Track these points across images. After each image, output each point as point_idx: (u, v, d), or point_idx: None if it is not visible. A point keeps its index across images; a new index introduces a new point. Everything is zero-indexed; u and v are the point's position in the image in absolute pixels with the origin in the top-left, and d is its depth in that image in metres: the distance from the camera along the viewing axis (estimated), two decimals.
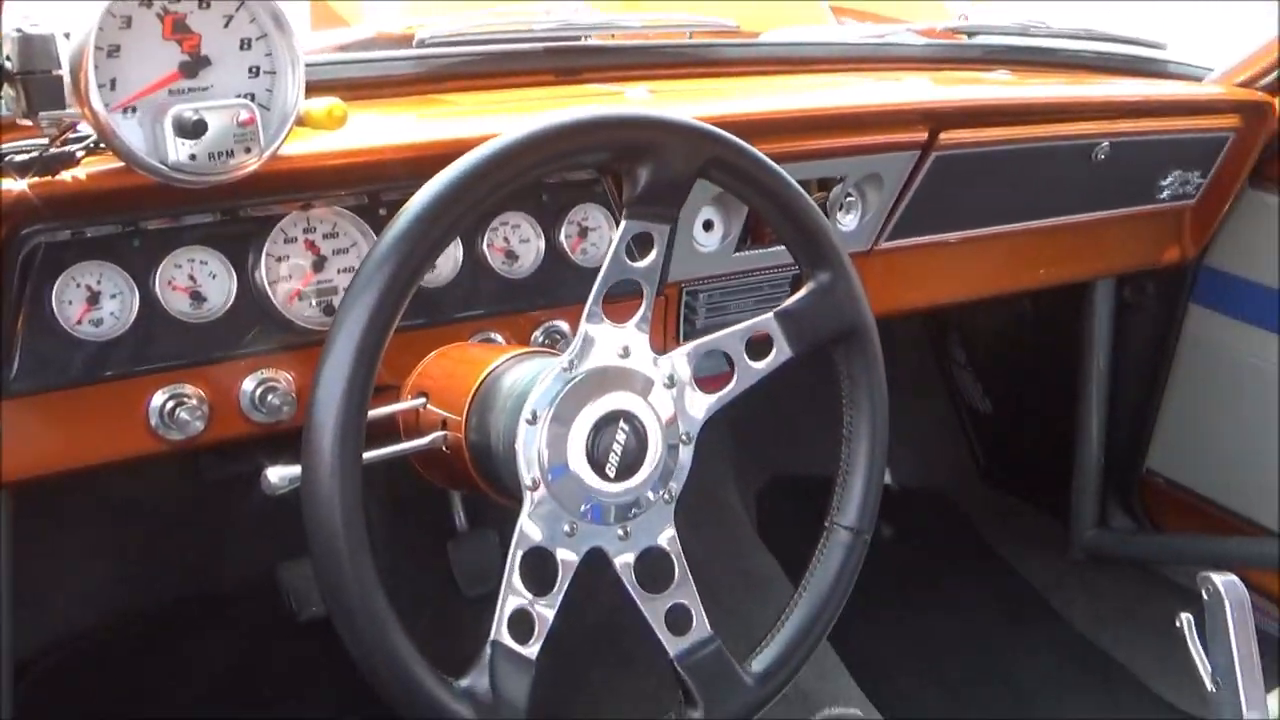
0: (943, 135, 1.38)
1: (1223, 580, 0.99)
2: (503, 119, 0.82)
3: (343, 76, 1.19)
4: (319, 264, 1.01)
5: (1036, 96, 1.51)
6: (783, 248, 1.12)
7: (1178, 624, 1.03)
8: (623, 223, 0.87)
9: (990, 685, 1.86)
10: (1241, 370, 1.84)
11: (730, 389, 0.90)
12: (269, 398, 0.99)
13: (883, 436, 0.96)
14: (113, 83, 0.82)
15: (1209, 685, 1.00)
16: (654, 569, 0.87)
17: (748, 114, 1.23)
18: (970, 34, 1.72)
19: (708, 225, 1.26)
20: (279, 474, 0.80)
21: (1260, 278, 1.78)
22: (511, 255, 1.11)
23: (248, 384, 0.99)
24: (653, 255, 0.88)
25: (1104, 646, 1.92)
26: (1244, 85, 1.70)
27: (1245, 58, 1.71)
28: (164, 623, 1.60)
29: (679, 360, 0.89)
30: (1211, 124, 1.66)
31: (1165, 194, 1.69)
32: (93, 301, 0.90)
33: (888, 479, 2.26)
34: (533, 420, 0.82)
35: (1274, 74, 1.68)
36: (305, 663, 1.54)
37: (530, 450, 0.82)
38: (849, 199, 1.38)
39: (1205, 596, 1.00)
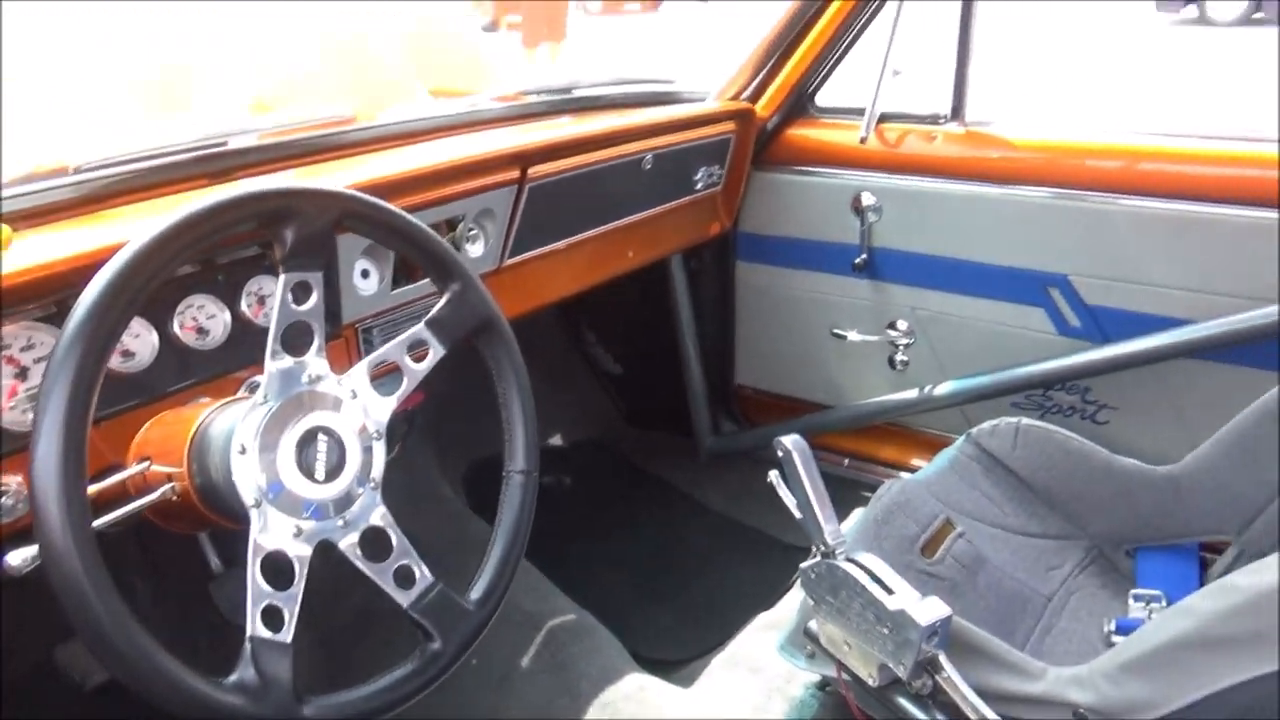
0: (531, 170, 1.46)
1: (790, 440, 1.09)
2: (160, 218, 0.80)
3: (6, 210, 1.09)
4: (22, 374, 0.93)
5: (593, 130, 1.61)
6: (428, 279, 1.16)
7: (769, 479, 1.12)
8: (281, 276, 0.87)
9: (665, 568, 1.97)
10: (781, 301, 2.06)
11: (404, 388, 0.93)
12: (1, 501, 0.90)
13: (528, 397, 1.01)
14: None
15: (797, 515, 1.10)
16: (376, 544, 0.89)
17: (379, 178, 1.25)
18: (536, 93, 1.80)
19: (364, 273, 1.28)
20: (19, 555, 0.75)
21: (776, 232, 2.01)
22: (202, 331, 1.07)
23: None
24: (314, 298, 0.88)
25: (737, 517, 2.07)
26: (733, 99, 1.90)
27: (729, 79, 1.90)
28: None
29: (357, 376, 0.91)
30: (718, 130, 1.83)
31: (700, 185, 1.87)
32: None
33: (558, 439, 2.36)
34: (243, 451, 0.81)
35: (749, 88, 1.90)
36: None
37: (246, 477, 0.81)
38: (473, 232, 1.44)
39: (780, 454, 1.09)
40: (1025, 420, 1.55)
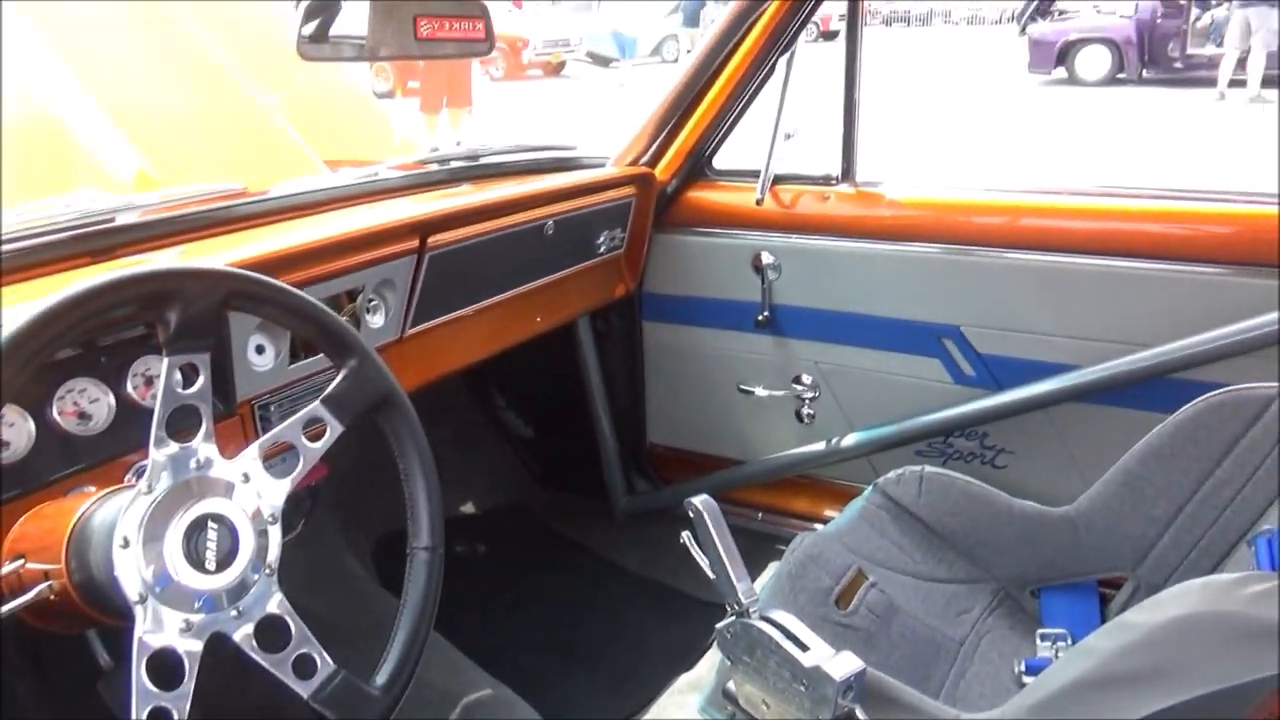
0: (431, 239, 1.45)
1: (699, 500, 1.09)
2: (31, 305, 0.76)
3: None
4: None
5: (494, 198, 1.62)
6: None
7: (682, 540, 1.12)
8: (165, 360, 0.84)
9: (583, 634, 1.93)
10: (688, 359, 2.08)
11: (300, 469, 0.90)
12: None
13: (430, 471, 0.99)
14: None
15: (710, 574, 1.10)
16: (273, 633, 0.85)
17: (271, 253, 1.21)
18: (437, 161, 1.80)
19: (259, 349, 1.24)
20: None
21: (680, 291, 2.03)
22: (84, 415, 1.02)
23: None
24: (201, 380, 0.85)
25: (655, 577, 2.05)
26: (632, 164, 1.94)
27: (627, 145, 1.94)
28: None
29: (249, 459, 0.87)
30: (618, 194, 1.86)
31: (603, 249, 1.89)
32: None
33: (469, 506, 2.31)
34: (125, 545, 0.77)
35: (647, 153, 1.94)
36: None
37: (129, 571, 0.77)
38: (373, 303, 1.42)
39: (691, 515, 1.09)
40: (929, 468, 1.59)
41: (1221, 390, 1.35)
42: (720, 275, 1.96)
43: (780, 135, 1.81)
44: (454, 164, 1.75)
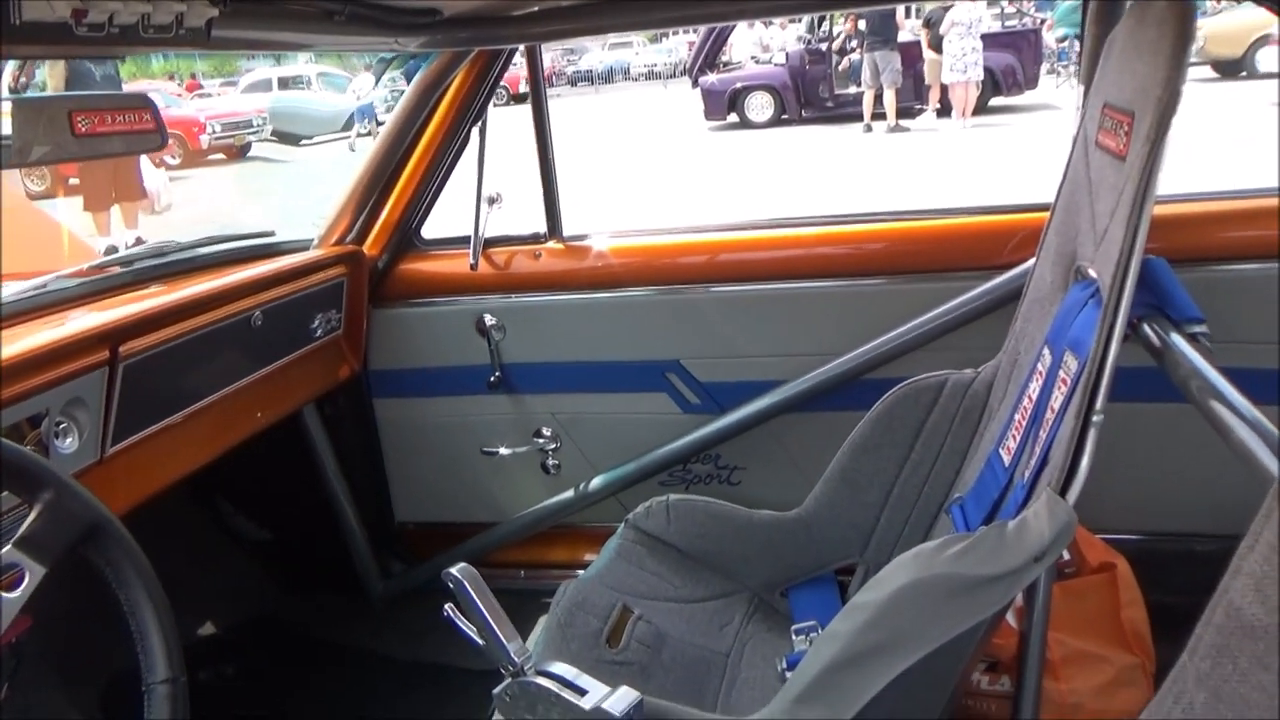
0: (123, 348, 1.34)
1: (458, 570, 1.08)
2: None
3: None
4: None
5: (189, 295, 1.52)
6: None
7: (445, 614, 1.10)
8: None
9: None
10: (426, 430, 2.05)
11: None
12: None
13: (159, 597, 0.91)
14: None
15: (479, 642, 1.10)
16: None
17: None
18: (122, 263, 1.66)
19: None
20: None
21: (408, 364, 2.00)
22: None
23: None
24: None
25: (427, 658, 1.98)
26: (337, 243, 1.89)
27: (330, 224, 1.89)
28: None
29: None
30: (328, 275, 1.81)
31: (320, 332, 1.82)
32: None
33: (209, 628, 2.11)
34: None
35: (352, 231, 1.90)
36: None
37: None
38: (62, 425, 1.27)
39: (451, 586, 1.08)
40: (673, 496, 1.67)
41: (904, 383, 1.54)
42: (446, 343, 1.95)
43: (484, 201, 1.85)
44: (139, 264, 1.63)
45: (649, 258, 1.85)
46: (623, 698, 1.03)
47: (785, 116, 12.82)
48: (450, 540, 2.10)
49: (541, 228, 1.90)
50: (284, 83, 16.70)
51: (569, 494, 1.97)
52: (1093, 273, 1.24)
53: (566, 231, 1.90)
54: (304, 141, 15.27)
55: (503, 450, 2.01)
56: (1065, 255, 1.33)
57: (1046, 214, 1.67)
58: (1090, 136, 1.24)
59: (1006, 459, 1.34)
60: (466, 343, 1.93)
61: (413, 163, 1.85)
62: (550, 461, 2.01)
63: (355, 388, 2.01)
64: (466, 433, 2.03)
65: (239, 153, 14.29)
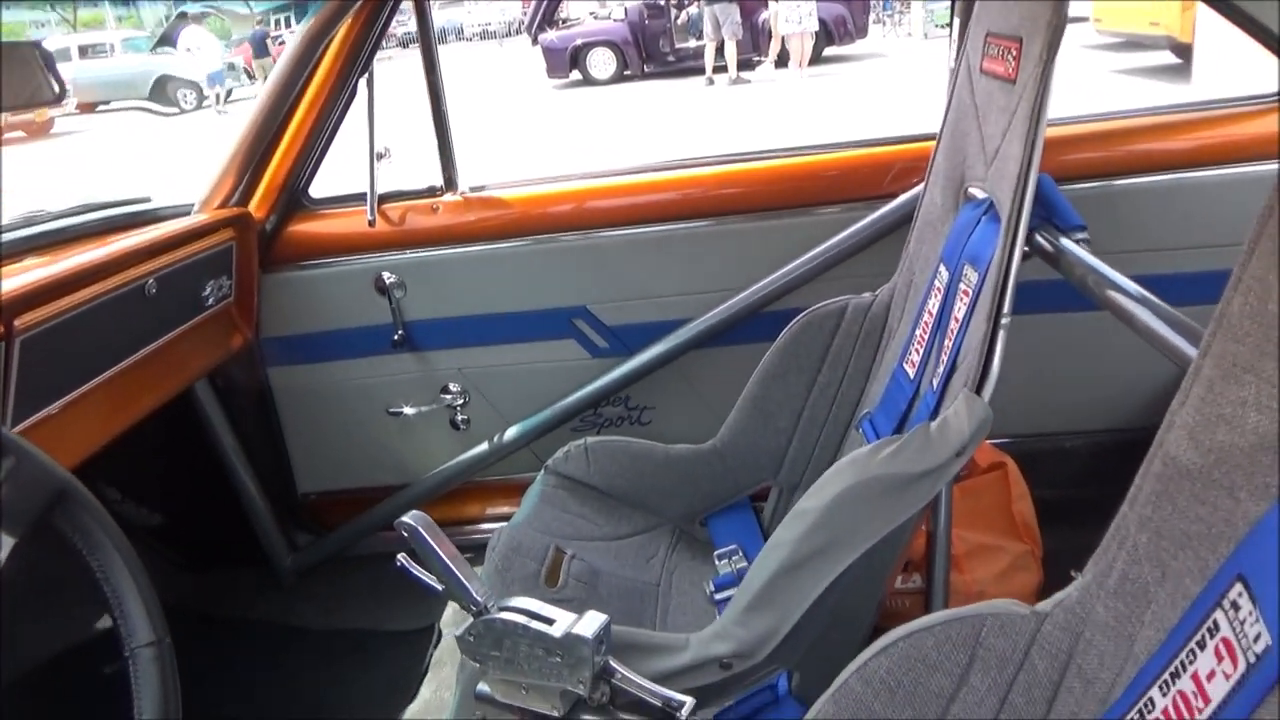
0: (18, 321, 1.25)
1: (410, 517, 1.08)
2: None
3: None
4: None
5: (82, 263, 1.42)
6: None
7: (399, 563, 1.11)
8: None
9: (278, 708, 1.80)
10: (327, 396, 2.00)
11: None
12: None
13: (133, 558, 0.88)
14: None
15: (439, 587, 1.11)
16: None
17: None
18: None
19: None
20: None
21: (304, 330, 1.94)
22: None
23: None
24: None
25: (344, 625, 1.96)
26: (221, 206, 1.81)
27: (212, 187, 1.80)
28: None
29: None
30: (214, 240, 1.72)
31: (211, 300, 1.74)
32: None
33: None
34: None
35: (236, 193, 1.82)
36: None
37: None
38: None
39: (406, 534, 1.07)
40: (591, 439, 1.71)
41: (807, 311, 1.62)
42: (344, 304, 1.91)
43: (375, 155, 1.81)
44: (9, 235, 1.51)
45: (549, 205, 1.86)
46: (592, 620, 1.07)
47: (628, 73, 12.86)
48: (360, 506, 2.07)
49: (437, 181, 1.88)
50: (84, 51, 15.47)
51: (482, 448, 1.98)
52: (982, 192, 1.35)
53: (463, 184, 1.88)
54: (101, 108, 14.22)
55: (408, 410, 1.99)
56: (954, 179, 1.43)
57: (925, 144, 1.79)
58: (974, 65, 1.34)
59: (911, 371, 1.45)
60: (366, 302, 1.90)
61: (298, 119, 1.78)
62: (459, 417, 2.00)
63: (248, 358, 1.94)
64: (369, 395, 1.99)
65: (42, 129, 13.15)
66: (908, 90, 8.47)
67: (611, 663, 1.09)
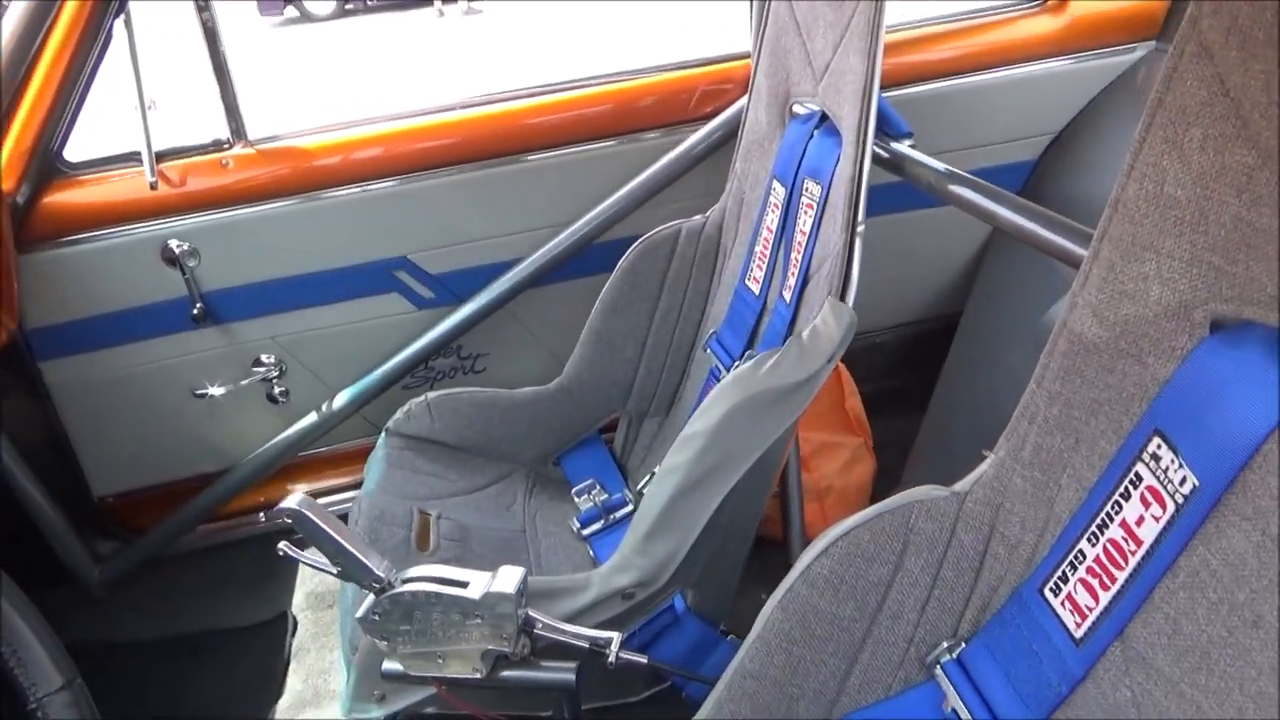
0: None
1: (293, 500, 1.00)
2: None
3: None
4: None
5: None
6: None
7: (280, 551, 1.03)
8: None
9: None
10: (116, 387, 1.79)
11: None
12: None
13: (26, 604, 0.77)
14: None
15: (334, 570, 1.04)
16: None
17: None
18: None
19: None
20: None
21: (79, 315, 1.71)
22: None
23: None
24: None
25: (168, 631, 1.81)
26: None
27: None
28: None
29: None
30: None
31: None
32: None
33: None
34: None
35: None
36: None
37: None
38: None
39: (291, 521, 0.99)
40: (430, 394, 1.65)
41: (640, 239, 1.63)
42: (126, 281, 1.70)
43: (146, 107, 1.60)
44: None
45: (353, 150, 1.73)
46: (510, 575, 1.05)
47: (350, 6, 12.11)
48: (171, 503, 1.88)
49: (222, 133, 1.69)
50: None
51: (308, 420, 1.85)
52: (811, 106, 1.40)
53: (253, 134, 1.71)
54: None
55: (216, 390, 1.83)
56: (779, 96, 1.48)
57: (730, 65, 1.83)
58: None
59: (755, 288, 1.50)
60: (153, 276, 1.70)
61: (42, 71, 1.53)
62: (277, 390, 1.86)
63: (13, 354, 1.69)
64: (168, 379, 1.80)
65: None
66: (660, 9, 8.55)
67: (531, 613, 1.08)
